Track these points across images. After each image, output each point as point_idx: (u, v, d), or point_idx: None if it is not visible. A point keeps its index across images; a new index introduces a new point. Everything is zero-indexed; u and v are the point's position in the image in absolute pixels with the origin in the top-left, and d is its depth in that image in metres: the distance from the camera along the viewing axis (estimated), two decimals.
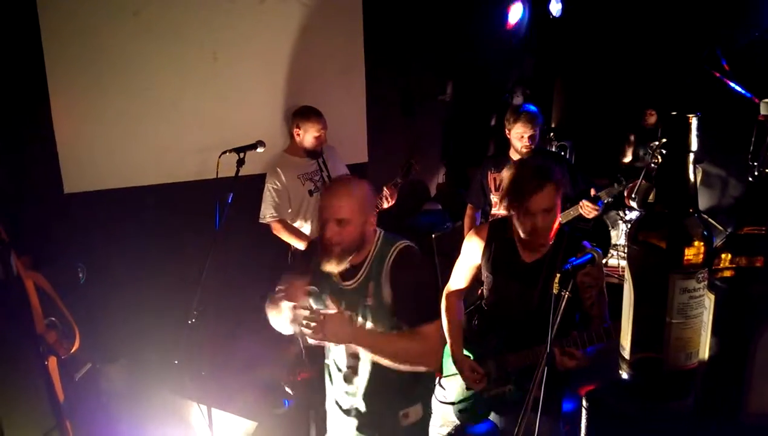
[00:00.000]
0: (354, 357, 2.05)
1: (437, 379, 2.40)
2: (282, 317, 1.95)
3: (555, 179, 2.07)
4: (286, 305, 1.87)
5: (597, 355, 2.06)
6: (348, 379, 2.09)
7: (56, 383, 2.68)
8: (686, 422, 0.89)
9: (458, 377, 2.32)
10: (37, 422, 2.60)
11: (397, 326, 1.97)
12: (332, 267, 1.95)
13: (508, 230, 2.26)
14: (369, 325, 1.98)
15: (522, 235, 2.15)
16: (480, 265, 2.33)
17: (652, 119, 5.41)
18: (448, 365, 2.37)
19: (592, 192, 3.41)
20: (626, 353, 0.96)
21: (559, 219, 3.37)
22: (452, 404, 2.33)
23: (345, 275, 2.02)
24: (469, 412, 2.28)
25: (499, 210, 3.46)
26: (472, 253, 2.33)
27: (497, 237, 2.28)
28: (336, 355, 2.14)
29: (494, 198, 3.57)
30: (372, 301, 1.96)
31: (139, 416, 3.04)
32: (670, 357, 0.90)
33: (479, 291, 2.51)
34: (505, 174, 2.16)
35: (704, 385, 0.88)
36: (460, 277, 2.40)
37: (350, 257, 1.95)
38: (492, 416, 2.30)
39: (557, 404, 2.24)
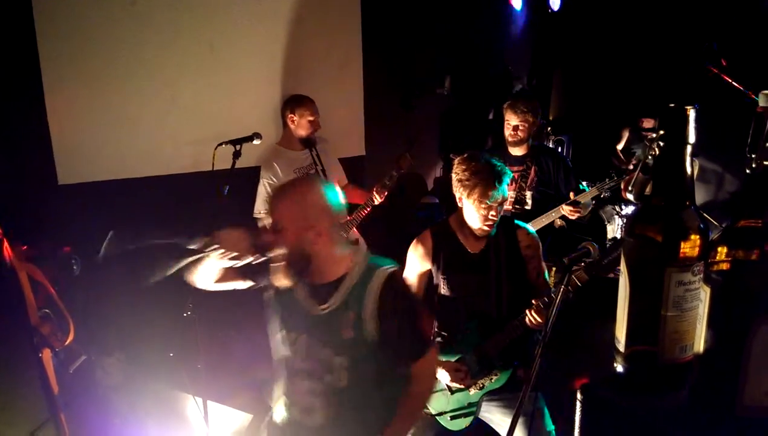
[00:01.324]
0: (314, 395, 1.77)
1: None
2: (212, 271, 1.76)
3: (507, 173, 2.24)
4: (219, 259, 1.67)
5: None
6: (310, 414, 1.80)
7: (50, 375, 2.67)
8: (681, 415, 0.88)
9: (439, 389, 2.31)
10: (31, 413, 2.60)
11: (390, 361, 1.77)
12: (280, 279, 1.77)
13: (449, 230, 2.37)
14: (342, 361, 1.73)
15: (475, 225, 2.26)
16: (429, 271, 2.40)
17: (648, 124, 5.39)
18: None
19: (571, 195, 3.43)
20: (621, 346, 0.96)
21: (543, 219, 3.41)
22: (441, 414, 2.33)
23: (315, 296, 1.78)
24: (462, 415, 2.29)
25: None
26: (420, 261, 2.39)
27: (442, 239, 2.37)
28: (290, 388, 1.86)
29: None
30: (351, 333, 1.71)
31: (135, 409, 3.04)
32: (665, 350, 0.90)
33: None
34: (462, 168, 2.23)
35: (700, 378, 0.88)
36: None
37: (294, 271, 1.73)
38: (482, 412, 2.30)
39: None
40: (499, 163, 2.23)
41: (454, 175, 2.27)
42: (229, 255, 1.65)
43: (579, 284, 2.01)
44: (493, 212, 2.20)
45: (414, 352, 1.78)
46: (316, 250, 1.70)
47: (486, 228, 2.23)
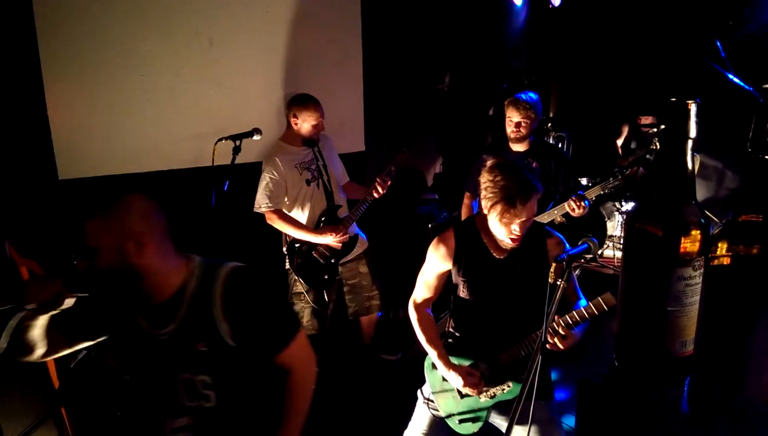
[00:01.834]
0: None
1: (423, 397, 2.37)
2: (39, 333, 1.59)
3: (539, 190, 2.08)
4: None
5: (584, 333, 2.08)
6: None
7: (51, 370, 2.68)
8: (682, 409, 0.89)
9: (450, 390, 2.28)
10: (31, 407, 2.60)
11: (250, 359, 1.63)
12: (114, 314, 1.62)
13: (474, 231, 2.26)
14: (204, 379, 1.59)
15: (499, 237, 2.15)
16: (449, 271, 2.31)
17: (646, 122, 5.40)
18: (434, 380, 2.33)
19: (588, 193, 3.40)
20: (622, 341, 0.96)
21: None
22: (450, 416, 2.31)
23: (154, 321, 1.60)
24: (471, 420, 2.26)
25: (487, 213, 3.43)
26: (440, 261, 2.29)
27: (465, 240, 2.26)
28: None
29: None
30: (206, 346, 1.57)
31: (135, 402, 3.04)
32: (666, 345, 0.90)
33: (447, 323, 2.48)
34: (489, 177, 2.10)
35: (700, 372, 0.88)
36: (427, 286, 2.36)
37: (127, 296, 1.59)
38: (492, 417, 2.28)
39: (549, 386, 2.25)
40: (528, 179, 2.05)
41: (481, 180, 2.14)
42: (43, 304, 1.50)
43: (606, 308, 1.93)
44: (515, 227, 2.07)
45: (277, 343, 1.66)
46: (144, 263, 1.52)
47: (509, 242, 2.12)
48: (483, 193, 2.13)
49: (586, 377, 1.04)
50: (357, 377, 3.77)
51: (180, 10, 3.53)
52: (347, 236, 3.45)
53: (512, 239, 2.11)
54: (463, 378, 2.17)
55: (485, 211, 2.15)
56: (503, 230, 2.10)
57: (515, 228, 2.08)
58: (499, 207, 2.05)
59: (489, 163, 2.15)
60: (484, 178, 2.12)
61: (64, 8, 3.16)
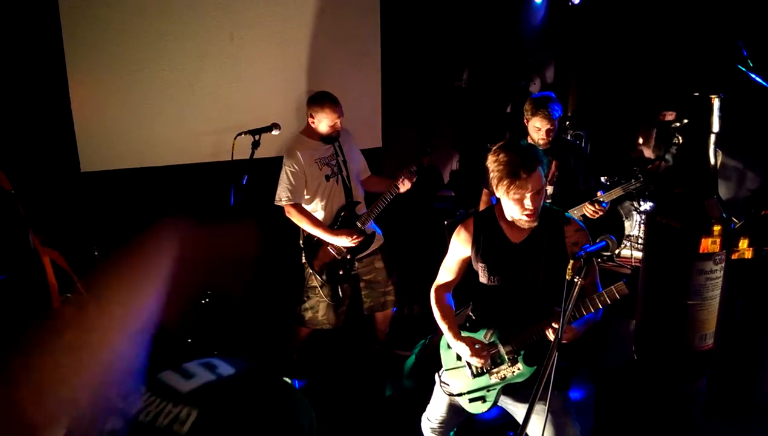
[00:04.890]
0: None
1: (440, 380, 2.40)
2: None
3: (542, 160, 2.12)
4: None
5: (586, 324, 2.08)
6: None
7: None
8: (701, 401, 0.88)
9: (462, 369, 2.32)
10: None
11: None
12: None
13: (493, 218, 2.32)
14: None
15: (512, 217, 2.19)
16: (469, 257, 2.37)
17: (670, 117, 5.32)
18: (447, 359, 2.38)
19: (599, 194, 3.35)
20: (641, 334, 0.96)
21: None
22: (460, 395, 2.33)
23: None
24: (480, 400, 2.29)
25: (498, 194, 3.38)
26: (460, 246, 2.37)
27: (483, 226, 2.32)
28: None
29: None
30: None
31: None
32: (685, 338, 0.90)
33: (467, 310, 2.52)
34: (492, 159, 2.15)
35: (719, 365, 0.88)
36: (448, 271, 2.44)
37: None
38: (502, 400, 2.30)
39: (563, 377, 2.27)
40: (529, 152, 2.10)
41: (487, 165, 2.17)
42: None
43: (618, 296, 1.91)
44: (527, 202, 2.09)
45: None
46: None
47: (526, 218, 2.14)
48: (490, 175, 2.16)
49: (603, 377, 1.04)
50: (371, 373, 3.78)
51: (202, 5, 3.58)
52: (362, 237, 3.46)
53: (527, 215, 2.13)
54: (469, 348, 2.21)
55: (496, 193, 2.18)
56: (516, 208, 2.12)
57: (527, 202, 2.09)
58: (505, 182, 2.08)
59: (491, 149, 2.20)
60: (489, 162, 2.17)
61: (87, 3, 3.21)
